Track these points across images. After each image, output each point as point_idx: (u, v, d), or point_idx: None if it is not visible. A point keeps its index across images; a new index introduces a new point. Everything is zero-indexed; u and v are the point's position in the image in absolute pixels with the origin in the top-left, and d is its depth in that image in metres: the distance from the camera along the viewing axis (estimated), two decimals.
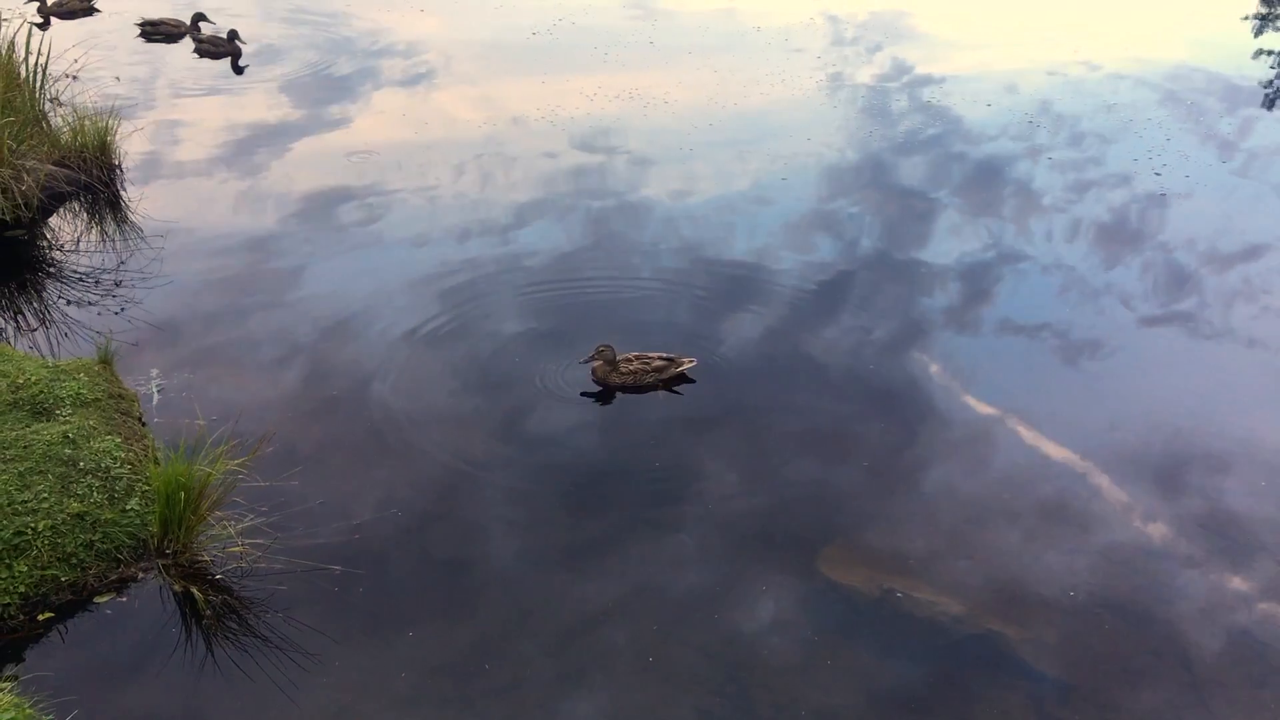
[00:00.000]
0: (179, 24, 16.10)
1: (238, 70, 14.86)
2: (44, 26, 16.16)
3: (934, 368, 8.27)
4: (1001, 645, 5.73)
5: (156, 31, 16.13)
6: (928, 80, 15.19)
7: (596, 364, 7.80)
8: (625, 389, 7.80)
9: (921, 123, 13.45)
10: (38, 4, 16.59)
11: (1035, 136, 13.05)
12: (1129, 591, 6.11)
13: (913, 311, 9.09)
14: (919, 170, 12.07)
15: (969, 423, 7.61)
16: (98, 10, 17.37)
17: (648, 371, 7.76)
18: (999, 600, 6.02)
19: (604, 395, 7.78)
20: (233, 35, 15.23)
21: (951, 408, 7.77)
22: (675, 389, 7.85)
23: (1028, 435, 7.46)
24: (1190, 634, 5.84)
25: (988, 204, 11.25)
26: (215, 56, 15.23)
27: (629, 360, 7.80)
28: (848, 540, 6.45)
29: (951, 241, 10.36)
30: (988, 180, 11.85)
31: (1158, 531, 6.60)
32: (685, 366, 7.85)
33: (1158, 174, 11.89)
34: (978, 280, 9.64)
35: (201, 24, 15.89)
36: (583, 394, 7.78)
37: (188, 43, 15.83)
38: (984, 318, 9.05)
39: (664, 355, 7.84)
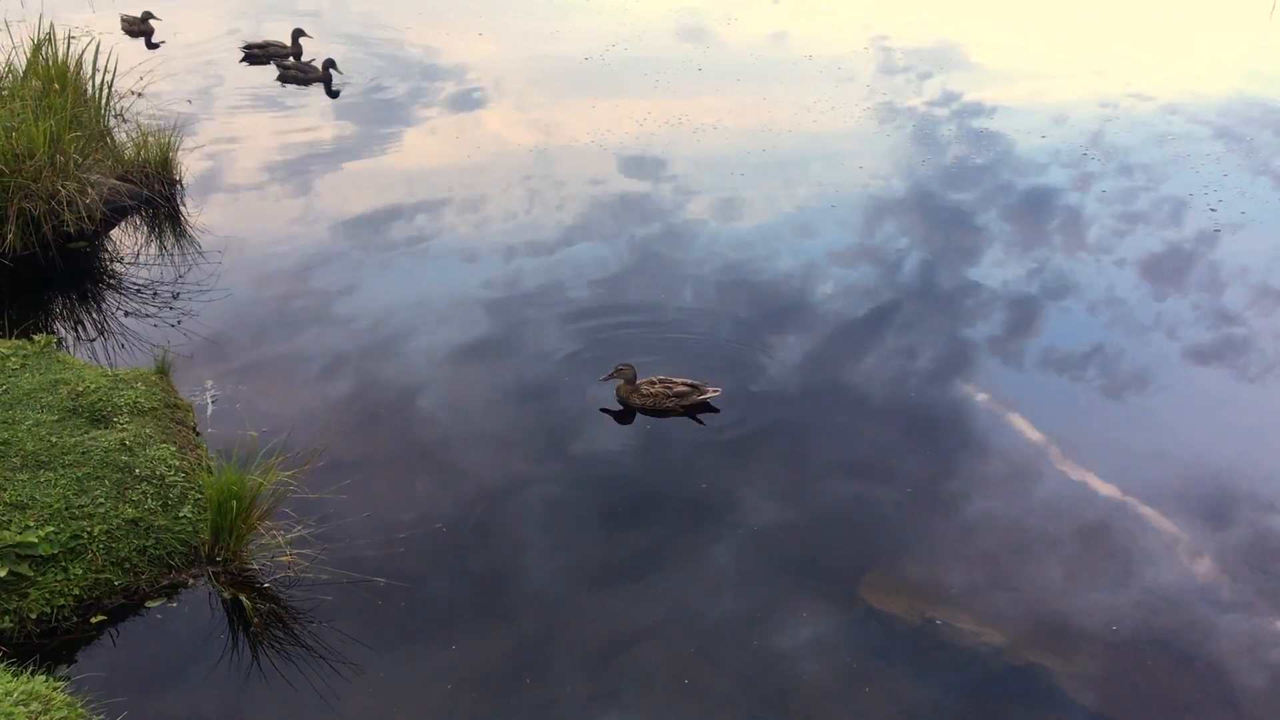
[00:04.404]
0: (283, 46, 16.31)
1: (331, 94, 15.08)
2: (153, 46, 16.67)
3: (978, 396, 8.24)
4: (1043, 678, 5.68)
5: (264, 54, 16.35)
6: (979, 110, 15.17)
7: (620, 384, 7.87)
8: (645, 410, 7.84)
9: (972, 152, 13.43)
10: (127, 24, 17.10)
11: (1088, 168, 12.98)
12: (1173, 627, 6.04)
13: (958, 340, 9.06)
14: (969, 199, 12.04)
15: (1014, 452, 7.57)
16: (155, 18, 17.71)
17: (668, 396, 7.76)
18: (1041, 632, 5.98)
19: (632, 415, 7.83)
20: (329, 64, 15.36)
21: (996, 437, 7.74)
22: (697, 417, 7.84)
23: (1072, 467, 7.41)
24: (1235, 672, 5.76)
25: (1039, 235, 11.20)
26: (303, 83, 15.43)
27: (651, 383, 7.82)
28: (889, 567, 6.44)
29: (1001, 271, 10.32)
30: (1039, 211, 11.80)
31: (1203, 568, 6.53)
32: (708, 395, 7.81)
33: (1213, 209, 11.78)
34: (1026, 310, 9.59)
35: (301, 39, 16.15)
36: (601, 409, 7.87)
37: (263, 66, 16.12)
38: (1031, 348, 9.00)
39: (688, 381, 7.81)
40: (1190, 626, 6.06)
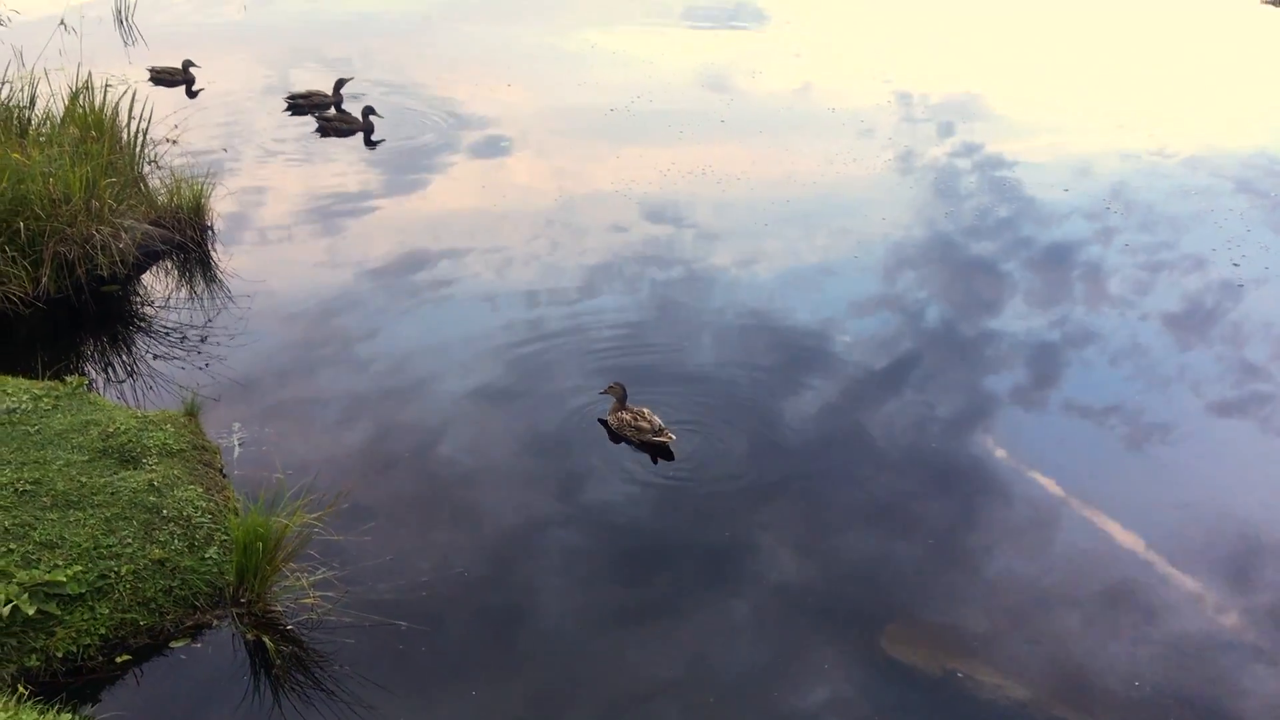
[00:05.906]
0: (326, 96, 16.51)
1: (370, 145, 15.26)
2: (192, 95, 16.97)
3: (999, 448, 8.23)
4: None
5: (308, 103, 16.49)
6: (1000, 162, 15.25)
7: (613, 401, 8.19)
8: (613, 430, 8.12)
9: (994, 204, 13.49)
10: (158, 74, 17.39)
11: (1110, 221, 13.01)
12: (1197, 684, 5.99)
13: (980, 392, 9.07)
14: (991, 251, 12.09)
15: (1036, 504, 7.56)
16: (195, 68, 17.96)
17: (630, 425, 7.99)
18: (1063, 686, 5.94)
19: (651, 451, 7.95)
20: (367, 111, 15.45)
21: (1018, 489, 7.73)
22: (655, 458, 7.89)
23: (1095, 519, 7.38)
24: None
25: (1061, 288, 11.22)
26: (343, 134, 15.59)
27: (629, 409, 8.07)
28: (910, 618, 6.42)
29: (1023, 324, 10.34)
30: (1061, 264, 11.83)
31: (1228, 623, 6.48)
32: (664, 439, 7.92)
33: (1236, 264, 11.78)
34: (1048, 363, 9.60)
35: (342, 90, 16.35)
36: (599, 420, 8.22)
37: (304, 116, 16.30)
38: (1053, 400, 9.00)
39: (655, 422, 7.94)
40: (1215, 682, 6.01)
